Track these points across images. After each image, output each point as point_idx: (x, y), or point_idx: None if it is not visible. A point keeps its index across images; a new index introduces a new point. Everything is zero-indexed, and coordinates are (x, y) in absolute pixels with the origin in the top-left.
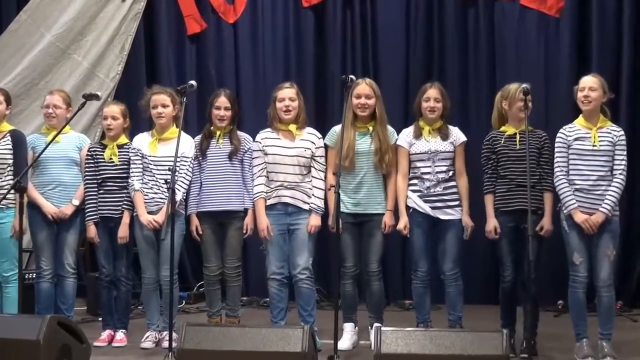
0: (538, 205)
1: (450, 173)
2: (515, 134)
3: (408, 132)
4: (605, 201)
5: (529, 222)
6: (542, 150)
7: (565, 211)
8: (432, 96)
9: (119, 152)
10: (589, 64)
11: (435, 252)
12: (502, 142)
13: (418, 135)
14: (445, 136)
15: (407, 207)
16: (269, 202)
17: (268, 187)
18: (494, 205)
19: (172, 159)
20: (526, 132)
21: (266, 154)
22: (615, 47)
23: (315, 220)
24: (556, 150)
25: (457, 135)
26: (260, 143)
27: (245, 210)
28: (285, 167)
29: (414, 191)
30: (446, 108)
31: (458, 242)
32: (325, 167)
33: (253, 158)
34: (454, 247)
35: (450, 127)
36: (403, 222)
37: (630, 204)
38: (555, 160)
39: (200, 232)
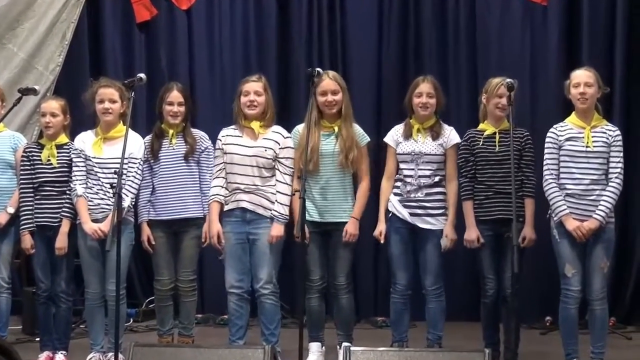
0: (519, 213)
1: (437, 178)
2: (495, 133)
3: (398, 129)
4: (600, 207)
5: (513, 231)
6: (523, 152)
7: (555, 218)
8: (424, 91)
9: (58, 152)
10: (579, 56)
11: (416, 263)
12: (481, 143)
13: (408, 134)
14: (436, 135)
15: (387, 212)
16: (227, 208)
17: (226, 190)
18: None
19: (119, 160)
20: (510, 134)
21: (225, 153)
22: (608, 39)
23: (276, 230)
24: (546, 151)
25: (450, 136)
26: (220, 141)
27: (204, 217)
28: (243, 168)
29: (395, 194)
30: (440, 104)
31: (439, 255)
32: (292, 170)
33: (213, 157)
34: (434, 260)
35: (445, 126)
36: (380, 227)
37: (625, 210)
38: (545, 162)
39: (153, 243)
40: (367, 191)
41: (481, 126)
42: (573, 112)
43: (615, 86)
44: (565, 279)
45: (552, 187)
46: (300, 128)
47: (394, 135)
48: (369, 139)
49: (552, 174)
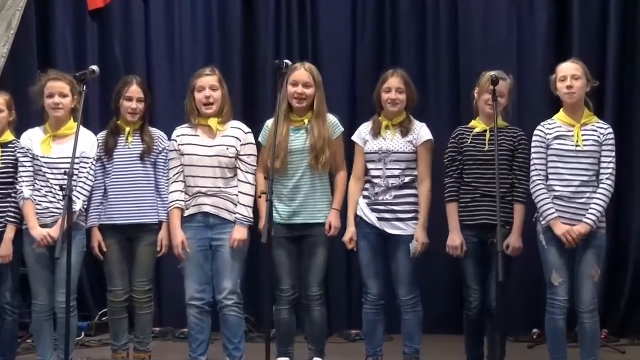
0: (507, 219)
1: (407, 179)
2: (485, 131)
3: (366, 126)
4: (590, 211)
5: (497, 237)
6: (515, 152)
7: (543, 222)
8: (393, 86)
9: (2, 151)
10: (569, 49)
11: (388, 271)
12: (469, 141)
13: (376, 131)
14: (405, 132)
15: (356, 215)
16: (187, 213)
17: (186, 194)
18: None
19: (70, 160)
20: (495, 132)
21: (182, 155)
22: (600, 30)
23: (238, 233)
24: (533, 150)
25: (420, 132)
26: (175, 141)
27: (160, 223)
28: (204, 169)
29: (364, 197)
30: (411, 100)
31: (411, 262)
32: (254, 168)
33: (168, 160)
34: (406, 269)
35: (416, 122)
36: (349, 233)
37: (617, 213)
38: (532, 163)
39: (104, 249)
40: (346, 181)
41: (472, 123)
42: (561, 109)
43: (607, 81)
44: (552, 287)
45: (539, 189)
46: (270, 123)
47: (361, 133)
48: (342, 129)
49: (539, 174)
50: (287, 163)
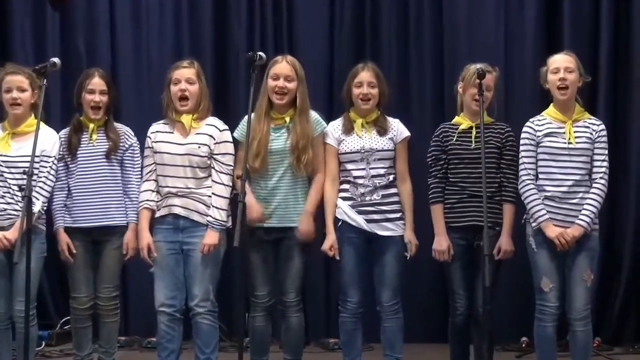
0: (495, 220)
1: (391, 177)
2: (471, 128)
3: (336, 126)
4: (583, 212)
5: (484, 239)
6: (503, 150)
7: (533, 224)
8: (364, 80)
9: None
10: (559, 42)
11: (370, 277)
12: (454, 138)
13: (348, 129)
14: (382, 130)
15: (336, 220)
16: (158, 214)
17: (158, 194)
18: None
19: (29, 159)
20: (481, 128)
21: (155, 153)
22: (592, 21)
23: (210, 238)
24: (521, 148)
25: (398, 129)
26: (150, 138)
27: (127, 225)
28: (175, 169)
29: (344, 199)
30: (384, 95)
31: (399, 265)
32: (230, 168)
33: (143, 157)
34: (394, 272)
35: (390, 119)
36: (329, 240)
37: (611, 215)
38: (521, 162)
39: (74, 251)
40: (322, 184)
41: (456, 119)
42: (551, 104)
43: (600, 75)
44: (542, 293)
45: (529, 189)
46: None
47: (333, 133)
48: (325, 126)
49: (529, 174)
50: (267, 163)
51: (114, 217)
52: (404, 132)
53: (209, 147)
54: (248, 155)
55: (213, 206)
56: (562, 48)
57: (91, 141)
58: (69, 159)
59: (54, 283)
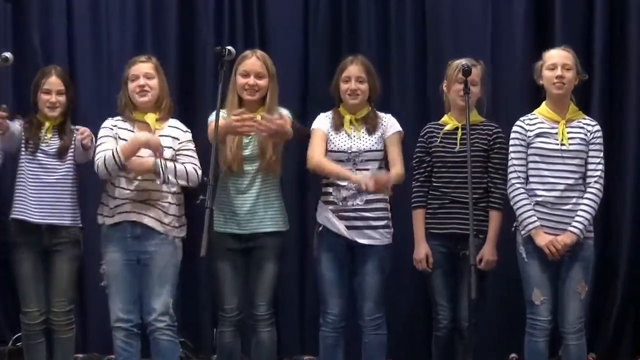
0: (481, 228)
1: None
2: (457, 129)
3: (327, 116)
4: (577, 218)
5: (470, 248)
6: (491, 153)
7: (523, 232)
8: (353, 75)
9: None
10: (551, 35)
11: (351, 287)
12: (438, 140)
13: (338, 125)
14: (372, 128)
15: (317, 224)
16: (111, 221)
17: (111, 198)
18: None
19: None
20: (467, 129)
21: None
22: (586, 14)
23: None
24: (511, 149)
25: (388, 122)
26: (111, 128)
27: (81, 230)
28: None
29: (326, 202)
30: (374, 90)
31: (382, 276)
32: (193, 164)
33: (98, 145)
34: (376, 284)
35: (382, 114)
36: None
37: (606, 222)
38: (510, 164)
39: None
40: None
41: (443, 119)
42: (544, 103)
43: (594, 72)
44: (533, 307)
45: (519, 194)
46: (212, 117)
47: (322, 120)
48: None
49: (519, 177)
50: (242, 165)
51: (65, 217)
52: (395, 126)
53: (173, 150)
54: (222, 158)
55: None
56: (554, 42)
57: (45, 139)
58: (26, 155)
59: (6, 296)
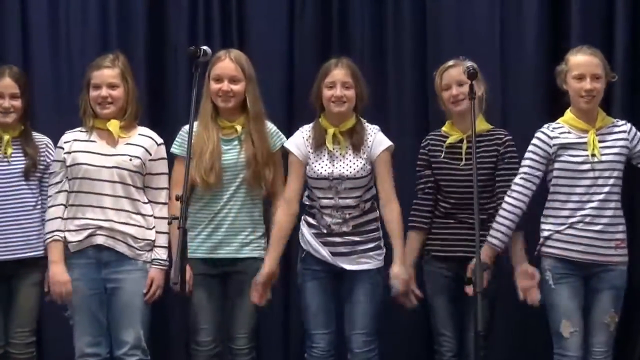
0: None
1: (367, 205)
2: (462, 140)
3: (305, 132)
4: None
5: (476, 274)
6: (499, 164)
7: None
8: (338, 79)
9: None
10: (567, 36)
11: (340, 316)
12: (442, 154)
13: (319, 143)
14: (357, 144)
15: (301, 249)
16: (76, 248)
17: (74, 219)
18: (426, 245)
19: None
20: (473, 139)
21: (70, 166)
22: (605, 11)
23: (159, 280)
24: (527, 156)
25: (374, 142)
26: (62, 149)
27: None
28: (100, 185)
29: (309, 225)
30: (361, 98)
31: (373, 304)
32: (166, 193)
33: (49, 173)
34: (366, 313)
35: (369, 126)
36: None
37: (630, 243)
38: (521, 170)
39: None
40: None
41: (445, 128)
42: (569, 110)
43: (615, 72)
44: (561, 340)
45: (512, 204)
46: (187, 128)
47: (299, 142)
48: (284, 140)
49: (526, 183)
50: (222, 178)
51: (35, 247)
52: (383, 143)
53: (142, 162)
54: (198, 170)
55: (158, 245)
56: (570, 39)
57: (6, 157)
58: None
59: None
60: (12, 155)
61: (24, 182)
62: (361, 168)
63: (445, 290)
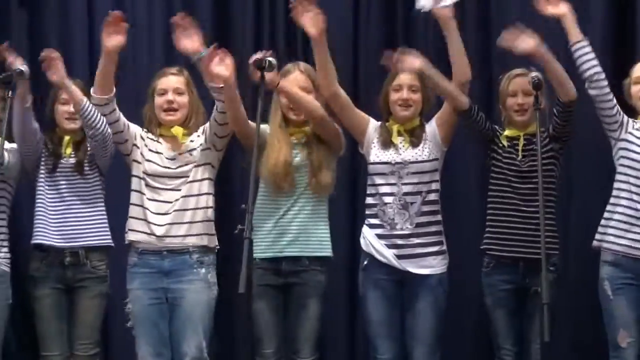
0: (550, 250)
1: (432, 196)
2: (518, 137)
3: (376, 128)
4: None
5: (542, 283)
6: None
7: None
8: (405, 83)
9: None
10: (634, 41)
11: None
12: (499, 149)
13: (386, 141)
14: (417, 142)
15: (363, 256)
16: (133, 259)
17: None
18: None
19: None
20: (537, 141)
21: (139, 162)
22: None
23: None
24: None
25: (429, 126)
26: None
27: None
28: (163, 191)
29: (371, 226)
30: (428, 101)
31: (436, 315)
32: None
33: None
34: (429, 324)
35: (427, 125)
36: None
37: None
38: None
39: None
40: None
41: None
42: None
43: None
44: (618, 350)
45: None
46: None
47: (374, 126)
48: None
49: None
50: (295, 182)
51: (95, 237)
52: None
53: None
54: (270, 175)
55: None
56: (637, 46)
57: (65, 156)
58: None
59: (23, 337)
60: (70, 155)
61: (79, 178)
62: (424, 153)
63: (505, 304)
